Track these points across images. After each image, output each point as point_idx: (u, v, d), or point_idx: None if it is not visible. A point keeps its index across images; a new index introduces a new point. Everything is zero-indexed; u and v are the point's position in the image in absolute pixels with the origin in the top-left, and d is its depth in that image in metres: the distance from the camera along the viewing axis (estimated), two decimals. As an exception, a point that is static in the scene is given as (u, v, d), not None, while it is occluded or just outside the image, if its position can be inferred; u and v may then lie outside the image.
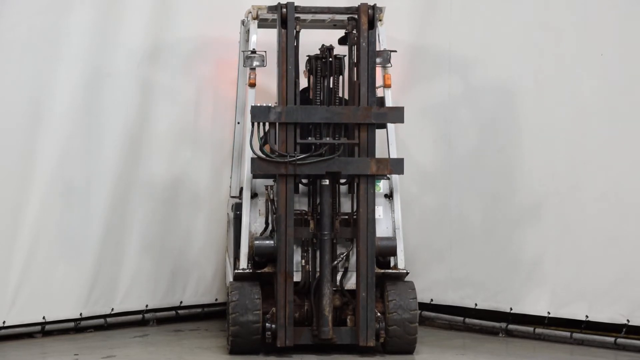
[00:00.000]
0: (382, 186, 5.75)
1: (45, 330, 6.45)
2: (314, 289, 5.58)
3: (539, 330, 6.27)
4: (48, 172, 6.43)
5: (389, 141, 5.80)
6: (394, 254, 5.70)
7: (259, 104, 5.62)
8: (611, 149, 6.02)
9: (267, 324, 5.50)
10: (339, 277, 5.64)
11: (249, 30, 6.23)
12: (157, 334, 6.83)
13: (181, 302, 7.15)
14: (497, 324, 6.51)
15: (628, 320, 5.80)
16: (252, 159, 5.53)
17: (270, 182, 5.77)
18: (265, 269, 5.67)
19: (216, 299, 7.25)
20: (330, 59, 5.67)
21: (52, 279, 6.51)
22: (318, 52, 5.73)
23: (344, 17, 5.75)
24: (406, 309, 5.57)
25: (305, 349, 5.55)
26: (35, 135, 6.29)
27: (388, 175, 5.76)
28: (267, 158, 5.48)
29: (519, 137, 6.44)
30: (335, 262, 5.63)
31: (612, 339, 5.97)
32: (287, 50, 5.50)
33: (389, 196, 5.83)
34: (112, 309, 6.72)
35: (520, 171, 6.45)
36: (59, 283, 6.54)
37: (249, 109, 5.74)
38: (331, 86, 5.76)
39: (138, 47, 6.69)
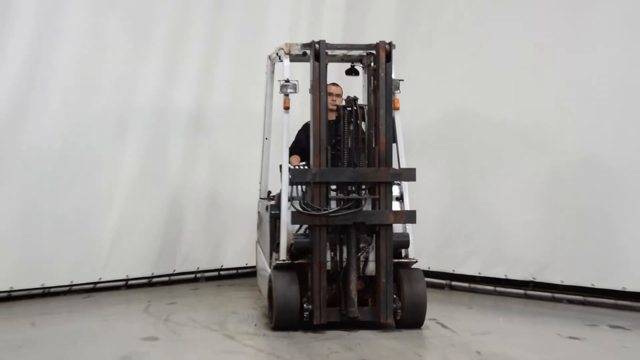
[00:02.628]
0: (393, 190, 5.89)
1: (128, 285, 7.71)
2: (342, 276, 5.75)
3: (472, 285, 7.34)
4: (135, 162, 7.61)
5: (403, 190, 5.97)
6: (407, 246, 5.94)
7: (297, 167, 5.94)
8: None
9: (304, 306, 5.68)
10: (361, 266, 5.82)
11: (274, 64, 6.63)
12: (205, 287, 7.97)
13: (222, 266, 8.35)
14: (443, 281, 7.57)
15: (534, 278, 7.16)
16: (293, 212, 5.68)
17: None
18: (301, 260, 5.81)
19: (246, 263, 8.35)
20: (355, 108, 5.81)
21: (133, 247, 7.67)
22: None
23: (363, 52, 6.00)
24: (417, 291, 5.77)
25: (335, 325, 5.78)
26: (123, 140, 7.52)
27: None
28: (305, 211, 5.64)
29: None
30: (359, 254, 5.79)
31: (522, 291, 7.25)
32: (320, 79, 5.75)
33: (400, 198, 6.04)
34: (174, 270, 8.01)
35: (460, 152, 7.28)
36: (137, 249, 7.71)
37: (285, 128, 5.94)
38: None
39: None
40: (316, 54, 5.73)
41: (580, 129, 6.88)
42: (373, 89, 5.78)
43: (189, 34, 7.85)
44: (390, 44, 5.73)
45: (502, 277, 7.28)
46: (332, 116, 5.97)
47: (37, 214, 7.12)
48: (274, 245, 6.07)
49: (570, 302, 7.18)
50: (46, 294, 7.29)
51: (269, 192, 6.76)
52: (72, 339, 5.86)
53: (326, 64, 5.77)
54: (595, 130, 6.84)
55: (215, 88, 8.15)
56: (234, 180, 8.32)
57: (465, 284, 7.44)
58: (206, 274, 8.43)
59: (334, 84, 6.32)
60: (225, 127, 8.18)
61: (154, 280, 8.00)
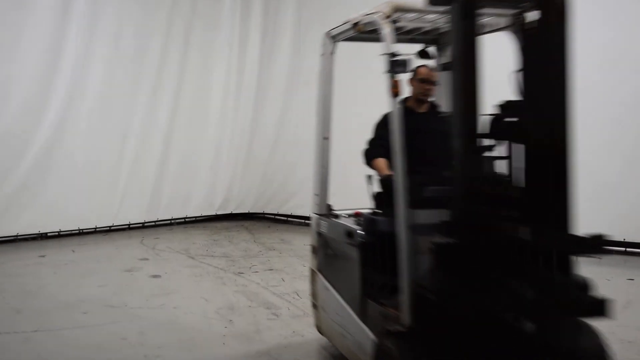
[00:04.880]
0: None
1: (130, 227, 10.49)
2: None
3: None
4: (130, 159, 10.43)
5: None
6: None
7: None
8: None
9: None
10: None
11: (336, 43, 4.87)
12: (177, 229, 10.74)
13: (187, 215, 11.25)
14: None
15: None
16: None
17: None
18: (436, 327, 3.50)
19: (201, 214, 11.29)
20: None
21: (132, 205, 10.36)
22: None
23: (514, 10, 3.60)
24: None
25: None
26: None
27: None
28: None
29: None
30: None
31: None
32: (474, 44, 3.52)
33: None
34: (158, 218, 10.86)
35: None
36: (135, 206, 10.44)
37: (395, 121, 3.94)
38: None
39: None
40: (464, 9, 3.46)
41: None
42: (543, 58, 3.48)
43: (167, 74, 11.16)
44: None
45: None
46: (423, 108, 4.63)
47: (77, 188, 10.40)
48: (366, 289, 4.30)
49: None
50: (81, 233, 10.17)
51: (329, 206, 5.07)
52: (97, 259, 8.42)
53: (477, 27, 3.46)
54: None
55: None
56: (198, 161, 11.43)
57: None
58: (177, 220, 11.33)
59: (423, 66, 4.63)
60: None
61: (146, 224, 10.87)
